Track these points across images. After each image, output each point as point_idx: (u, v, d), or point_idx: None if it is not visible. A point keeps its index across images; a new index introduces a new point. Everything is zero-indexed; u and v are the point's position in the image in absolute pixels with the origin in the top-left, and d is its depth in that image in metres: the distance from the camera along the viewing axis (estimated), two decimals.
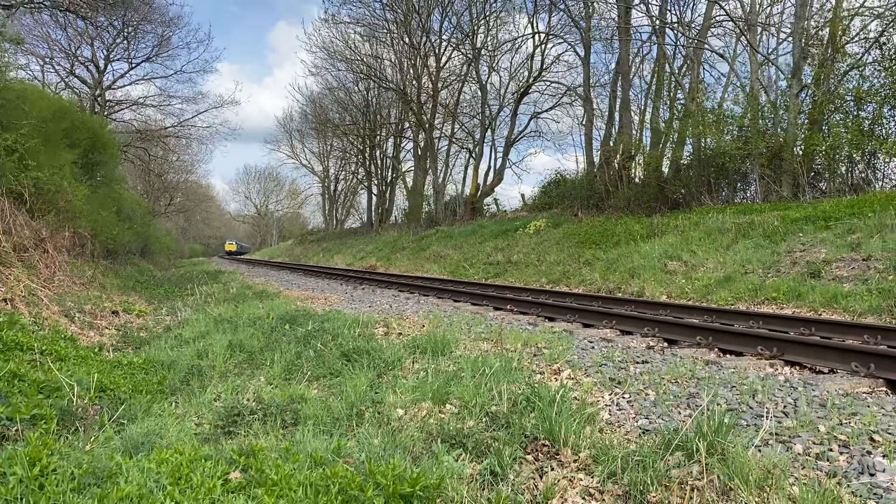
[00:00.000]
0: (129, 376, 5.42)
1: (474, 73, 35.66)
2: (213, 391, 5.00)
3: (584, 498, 3.08)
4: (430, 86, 38.19)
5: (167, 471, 2.73)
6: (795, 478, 3.15)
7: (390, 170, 49.18)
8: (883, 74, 16.42)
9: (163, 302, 12.60)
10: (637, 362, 5.86)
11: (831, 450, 3.49)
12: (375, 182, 50.23)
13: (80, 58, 35.27)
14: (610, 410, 4.37)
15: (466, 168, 38.92)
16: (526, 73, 33.71)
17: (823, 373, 5.47)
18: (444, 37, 37.23)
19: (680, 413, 4.23)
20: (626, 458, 3.24)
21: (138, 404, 4.54)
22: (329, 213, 64.23)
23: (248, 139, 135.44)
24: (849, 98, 16.96)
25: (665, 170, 21.45)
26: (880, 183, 16.28)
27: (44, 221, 11.53)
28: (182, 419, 4.25)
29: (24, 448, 2.86)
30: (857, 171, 16.78)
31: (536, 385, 4.46)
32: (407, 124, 44.56)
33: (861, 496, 2.98)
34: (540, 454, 3.51)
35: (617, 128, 24.92)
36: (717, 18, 23.07)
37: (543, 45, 32.23)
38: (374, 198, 50.50)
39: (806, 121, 17.88)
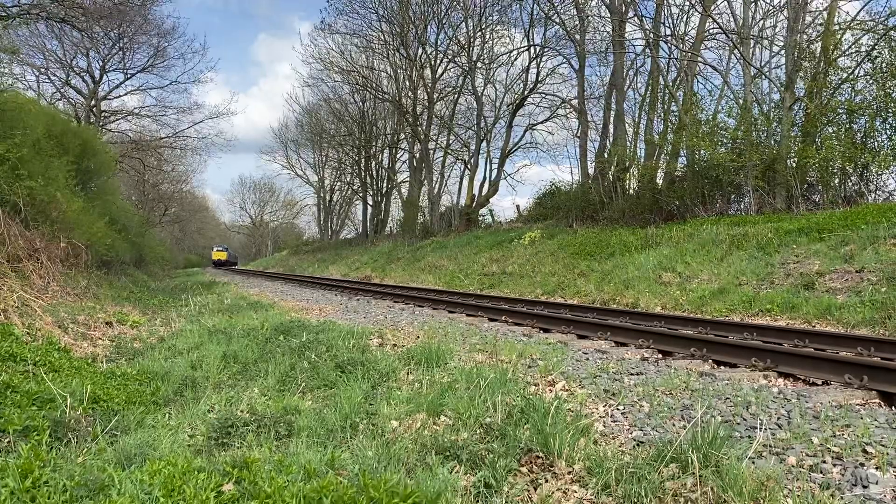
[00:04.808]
0: (123, 387, 5.40)
1: (470, 84, 35.85)
2: (207, 402, 4.98)
3: None
4: (426, 97, 38.34)
5: (160, 483, 2.71)
6: (789, 490, 3.15)
7: (386, 180, 49.27)
8: (875, 87, 16.57)
9: (157, 312, 12.55)
10: (631, 374, 5.86)
11: (825, 462, 3.49)
12: (371, 193, 50.28)
13: (75, 68, 35.38)
14: (604, 422, 4.37)
15: (462, 179, 39.07)
16: (521, 86, 33.90)
17: (817, 384, 5.48)
18: (440, 49, 37.45)
19: (674, 425, 4.23)
20: (621, 469, 3.24)
21: (131, 416, 4.52)
22: (324, 224, 64.20)
23: (236, 150, 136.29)
24: (841, 111, 17.10)
25: (659, 181, 21.52)
26: (873, 195, 16.38)
27: (38, 232, 11.50)
28: (175, 431, 4.23)
29: (16, 460, 2.85)
30: (850, 184, 16.89)
31: (531, 397, 4.46)
32: (402, 135, 44.69)
33: None
34: (534, 466, 3.51)
35: (611, 140, 25.03)
36: (711, 32, 23.25)
37: (539, 58, 32.44)
38: (370, 208, 50.55)
39: (799, 133, 18.00)
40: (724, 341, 7.01)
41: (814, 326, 9.23)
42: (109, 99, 38.19)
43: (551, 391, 5.13)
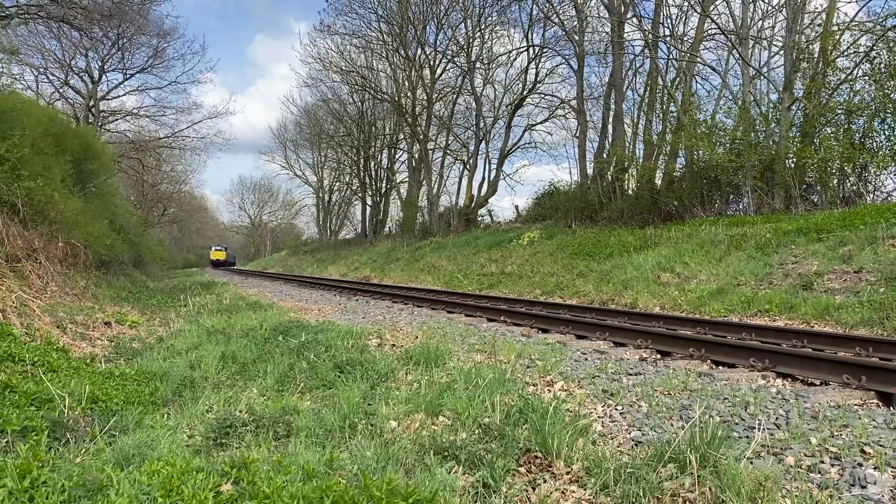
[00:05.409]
0: (121, 388, 5.40)
1: (469, 85, 35.82)
2: (206, 403, 4.98)
3: None
4: (425, 97, 38.34)
5: (158, 483, 2.71)
6: (787, 490, 3.16)
7: (384, 181, 49.25)
8: (873, 88, 16.58)
9: (156, 312, 12.54)
10: (630, 374, 5.87)
11: (823, 462, 3.50)
12: (370, 193, 50.27)
13: (74, 68, 35.38)
14: (603, 422, 4.37)
15: (461, 179, 39.03)
16: (520, 86, 33.89)
17: (815, 385, 5.48)
18: (439, 49, 37.44)
19: (672, 425, 4.23)
20: (619, 470, 3.24)
21: (130, 416, 4.52)
22: (323, 224, 64.16)
23: (234, 150, 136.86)
24: (840, 111, 17.10)
25: (658, 182, 21.54)
26: (871, 195, 16.39)
27: (37, 232, 11.49)
28: (174, 431, 4.23)
29: (14, 460, 2.84)
30: (849, 184, 16.90)
31: (529, 397, 4.46)
32: (401, 136, 44.69)
33: None
34: (533, 466, 3.51)
35: (610, 140, 25.04)
36: (710, 32, 23.27)
37: (538, 59, 32.43)
38: (369, 208, 50.53)
39: (798, 134, 18.01)
40: (723, 341, 7.02)
41: (812, 327, 9.23)
42: (108, 99, 38.22)
43: (550, 391, 5.14)
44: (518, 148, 36.08)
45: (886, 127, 16.27)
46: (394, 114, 42.84)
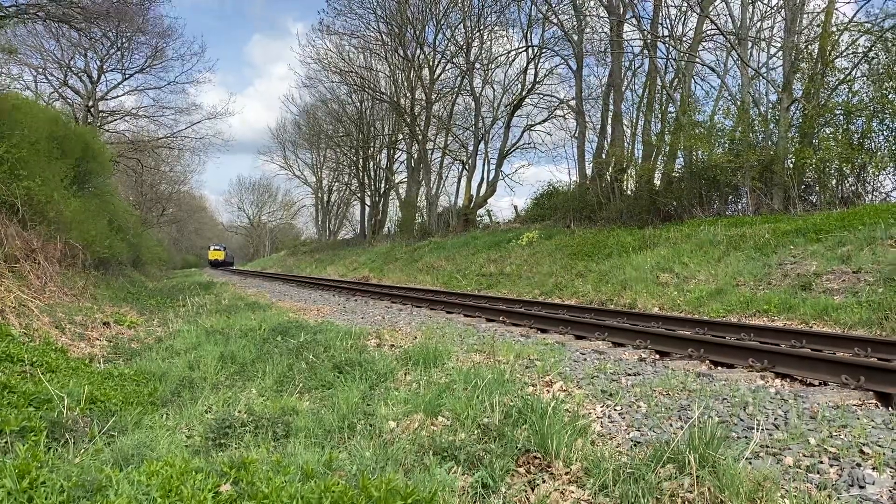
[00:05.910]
0: (120, 388, 5.40)
1: (468, 85, 35.82)
2: (205, 403, 4.98)
3: None
4: (424, 98, 38.33)
5: (157, 483, 2.71)
6: (786, 490, 3.16)
7: (383, 181, 49.24)
8: (871, 88, 16.60)
9: (154, 313, 12.54)
10: (629, 374, 5.87)
11: (821, 462, 3.50)
12: (369, 193, 50.27)
13: (73, 68, 35.35)
14: (602, 423, 4.37)
15: (459, 179, 39.06)
16: (519, 86, 33.92)
17: (814, 385, 5.49)
18: (438, 49, 37.45)
19: (671, 425, 4.23)
20: (618, 470, 3.24)
21: (129, 416, 4.52)
22: (322, 224, 64.17)
23: (233, 150, 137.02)
24: (838, 112, 17.12)
25: (657, 182, 21.54)
26: (870, 196, 16.40)
27: (35, 232, 11.48)
28: (173, 431, 4.23)
29: (13, 460, 2.84)
30: (847, 185, 16.91)
31: (528, 397, 4.46)
32: (400, 136, 44.70)
33: None
34: (532, 466, 3.51)
35: (609, 140, 25.04)
36: (708, 33, 23.30)
37: (537, 59, 32.45)
38: (368, 209, 50.52)
39: (796, 134, 18.02)
40: (722, 342, 7.02)
41: (811, 327, 9.24)
42: (107, 99, 38.20)
43: (549, 392, 5.14)
44: (517, 148, 36.13)
45: (885, 127, 16.31)
46: (393, 114, 42.85)
